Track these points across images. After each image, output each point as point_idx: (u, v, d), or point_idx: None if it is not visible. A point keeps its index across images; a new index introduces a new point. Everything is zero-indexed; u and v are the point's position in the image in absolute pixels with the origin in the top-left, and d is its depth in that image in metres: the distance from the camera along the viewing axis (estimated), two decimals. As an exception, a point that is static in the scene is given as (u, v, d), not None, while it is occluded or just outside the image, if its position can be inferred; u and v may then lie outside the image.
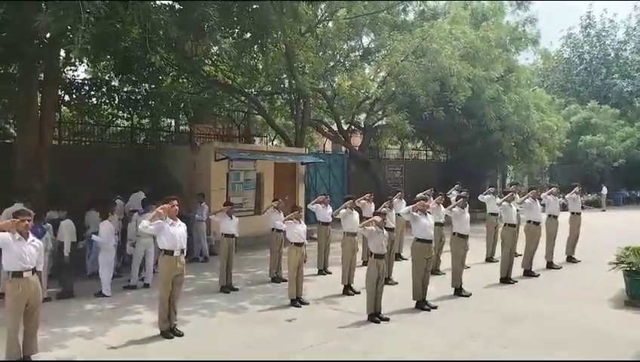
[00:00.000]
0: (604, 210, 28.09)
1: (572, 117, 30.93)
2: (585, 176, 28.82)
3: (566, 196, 13.20)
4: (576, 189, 13.09)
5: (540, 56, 24.98)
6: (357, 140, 23.42)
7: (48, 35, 9.54)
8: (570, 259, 12.54)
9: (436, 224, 9.64)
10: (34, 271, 5.86)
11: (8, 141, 13.24)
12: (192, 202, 12.77)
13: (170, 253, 7.00)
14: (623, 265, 8.84)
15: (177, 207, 7.25)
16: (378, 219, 7.96)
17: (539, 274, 11.03)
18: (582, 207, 13.53)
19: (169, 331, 6.97)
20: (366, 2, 16.04)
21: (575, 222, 12.74)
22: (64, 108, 14.76)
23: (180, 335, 7.00)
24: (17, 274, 5.72)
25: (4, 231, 5.76)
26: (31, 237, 5.96)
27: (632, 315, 8.13)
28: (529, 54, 25.56)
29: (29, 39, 9.52)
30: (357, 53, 19.35)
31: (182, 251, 7.11)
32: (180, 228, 7.15)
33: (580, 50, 38.09)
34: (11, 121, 13.09)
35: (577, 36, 38.17)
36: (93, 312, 8.22)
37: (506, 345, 6.69)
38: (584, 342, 6.80)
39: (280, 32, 11.95)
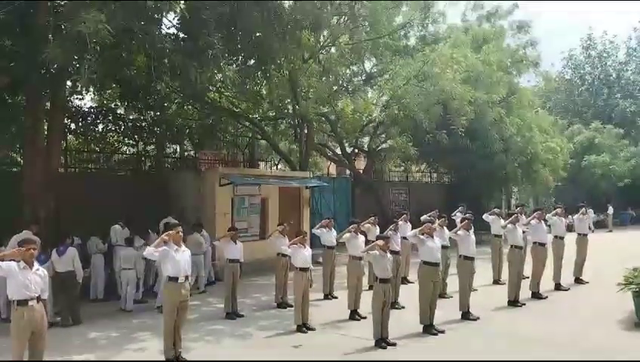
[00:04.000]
0: (610, 231, 27.86)
1: (576, 137, 30.92)
2: (590, 197, 28.63)
3: (573, 217, 13.12)
4: (583, 210, 13.04)
5: (541, 78, 25.17)
6: (361, 163, 23.47)
7: (55, 65, 9.70)
8: (578, 281, 12.42)
9: (441, 247, 9.59)
10: (39, 299, 5.86)
11: (15, 169, 13.34)
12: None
13: (174, 279, 6.99)
14: (631, 286, 8.75)
15: (182, 233, 7.27)
16: (381, 243, 7.94)
17: (547, 296, 10.91)
18: (589, 227, 13.45)
19: (174, 359, 6.92)
20: (368, 29, 16.25)
21: (582, 243, 12.65)
22: (70, 136, 14.91)
23: (186, 362, 6.95)
24: (22, 303, 5.72)
25: (10, 259, 5.79)
26: (36, 265, 5.98)
27: (643, 337, 8.01)
28: (530, 76, 25.73)
29: (36, 69, 9.68)
30: (359, 78, 19.54)
31: (186, 277, 7.10)
32: (184, 254, 7.15)
33: (582, 71, 38.27)
34: (18, 148, 13.21)
35: (578, 57, 38.39)
36: (98, 340, 8.17)
37: (515, 369, 6.60)
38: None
39: (283, 59, 12.10)
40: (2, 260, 5.78)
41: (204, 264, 12.31)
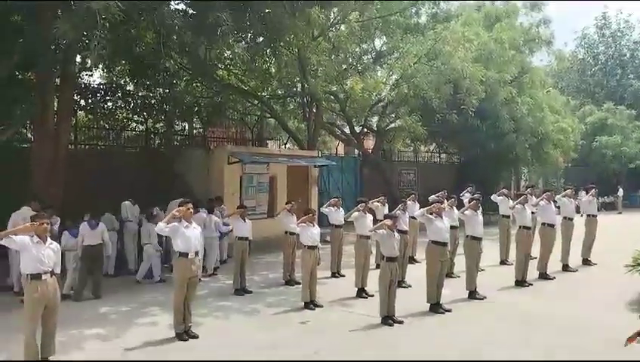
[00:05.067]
0: (620, 213, 27.75)
1: (587, 118, 30.61)
2: (601, 178, 28.45)
3: (582, 198, 13.06)
4: (592, 191, 12.97)
5: (554, 57, 24.81)
6: (369, 143, 23.41)
7: (64, 41, 9.68)
8: (586, 262, 12.41)
9: (450, 227, 9.60)
10: (52, 273, 5.95)
11: (25, 145, 13.43)
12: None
13: (184, 255, 7.07)
14: (639, 268, 8.74)
15: (192, 210, 7.34)
16: (389, 222, 7.95)
17: (554, 277, 10.92)
18: (598, 209, 13.41)
19: (184, 333, 7.04)
20: (378, 5, 16.05)
21: (591, 225, 12.61)
22: (80, 112, 14.96)
23: (195, 337, 7.06)
24: (36, 277, 5.81)
25: (24, 234, 5.88)
26: (49, 240, 6.05)
27: (650, 319, 8.02)
28: (543, 55, 25.38)
29: (46, 46, 9.67)
30: (369, 56, 19.39)
31: (196, 253, 7.18)
32: (194, 231, 7.23)
33: (595, 50, 37.70)
34: (28, 125, 13.29)
35: (592, 37, 37.79)
36: (109, 314, 8.30)
37: (520, 348, 6.65)
38: (599, 346, 6.72)
39: (292, 36, 12.00)
40: (16, 235, 5.88)
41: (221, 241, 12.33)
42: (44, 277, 5.83)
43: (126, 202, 11.68)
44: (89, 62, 11.40)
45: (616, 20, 37.12)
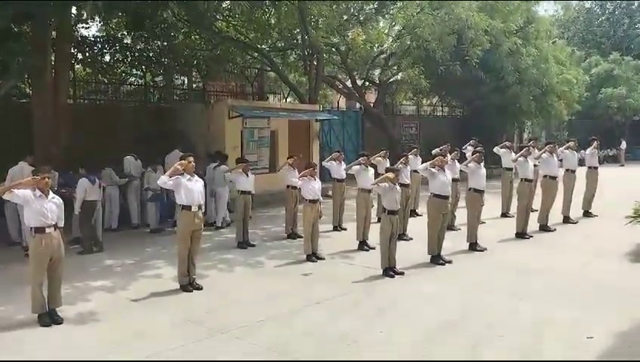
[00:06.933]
0: (622, 165, 27.71)
1: (593, 69, 30.09)
2: (604, 131, 28.24)
3: (585, 151, 13.01)
4: (595, 144, 12.90)
5: (560, 6, 24.19)
6: (371, 97, 23.14)
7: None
8: (587, 214, 12.47)
9: (452, 180, 9.58)
10: (56, 226, 5.99)
11: (24, 100, 13.30)
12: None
13: (188, 208, 7.10)
14: (639, 219, 8.79)
15: (194, 163, 7.33)
16: (391, 175, 7.95)
17: (555, 229, 11.00)
18: (600, 161, 13.34)
19: (188, 285, 7.15)
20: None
21: (592, 177, 12.60)
22: (78, 66, 14.73)
23: (199, 288, 7.17)
24: (40, 230, 5.85)
25: (25, 188, 5.88)
26: (51, 194, 6.07)
27: (648, 269, 8.12)
28: (549, 5, 24.80)
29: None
30: (371, 6, 18.85)
31: (199, 207, 7.21)
32: (197, 184, 7.23)
33: (603, -1, 36.78)
34: (26, 80, 13.11)
35: (600, -16, 36.79)
36: (114, 267, 8.42)
37: (520, 298, 6.75)
38: (598, 295, 6.83)
39: (293, -15, 11.68)
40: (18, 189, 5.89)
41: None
42: (47, 230, 5.87)
43: (128, 157, 11.63)
44: (85, 14, 11.14)
45: (625, -32, 35.97)
